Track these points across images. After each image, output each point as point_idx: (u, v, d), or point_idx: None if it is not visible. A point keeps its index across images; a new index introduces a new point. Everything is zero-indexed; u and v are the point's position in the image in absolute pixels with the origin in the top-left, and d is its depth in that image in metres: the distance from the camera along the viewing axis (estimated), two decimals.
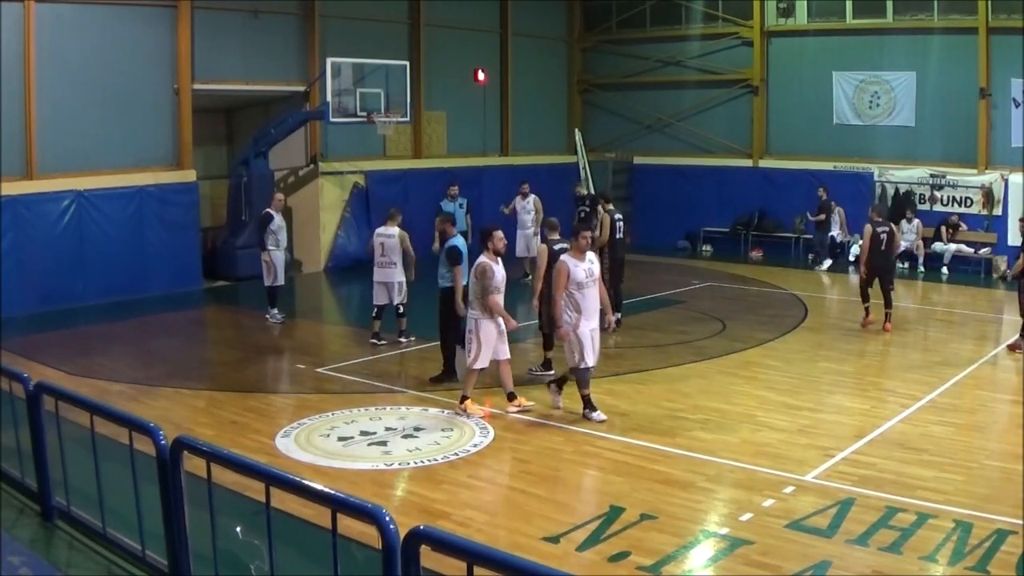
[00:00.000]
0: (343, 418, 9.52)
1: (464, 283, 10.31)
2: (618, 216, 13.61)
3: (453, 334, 10.75)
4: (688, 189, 22.70)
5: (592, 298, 9.21)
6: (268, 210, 14.14)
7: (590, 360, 9.20)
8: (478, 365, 9.51)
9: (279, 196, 14.74)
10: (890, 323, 13.31)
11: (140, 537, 5.50)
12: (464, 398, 9.63)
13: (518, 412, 9.59)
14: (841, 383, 10.79)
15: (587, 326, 9.14)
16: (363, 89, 17.55)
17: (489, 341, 9.47)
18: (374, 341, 12.66)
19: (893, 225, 13.85)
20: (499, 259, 9.57)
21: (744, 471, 8.02)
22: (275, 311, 14.21)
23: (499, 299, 9.46)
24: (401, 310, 12.65)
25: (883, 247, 13.21)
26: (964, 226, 19.16)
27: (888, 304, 13.31)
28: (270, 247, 13.90)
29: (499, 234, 9.65)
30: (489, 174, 21.80)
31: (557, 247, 10.45)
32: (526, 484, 7.77)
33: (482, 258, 9.47)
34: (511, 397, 9.69)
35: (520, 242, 17.62)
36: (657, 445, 8.66)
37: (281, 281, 14.20)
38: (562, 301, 9.07)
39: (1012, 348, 11.99)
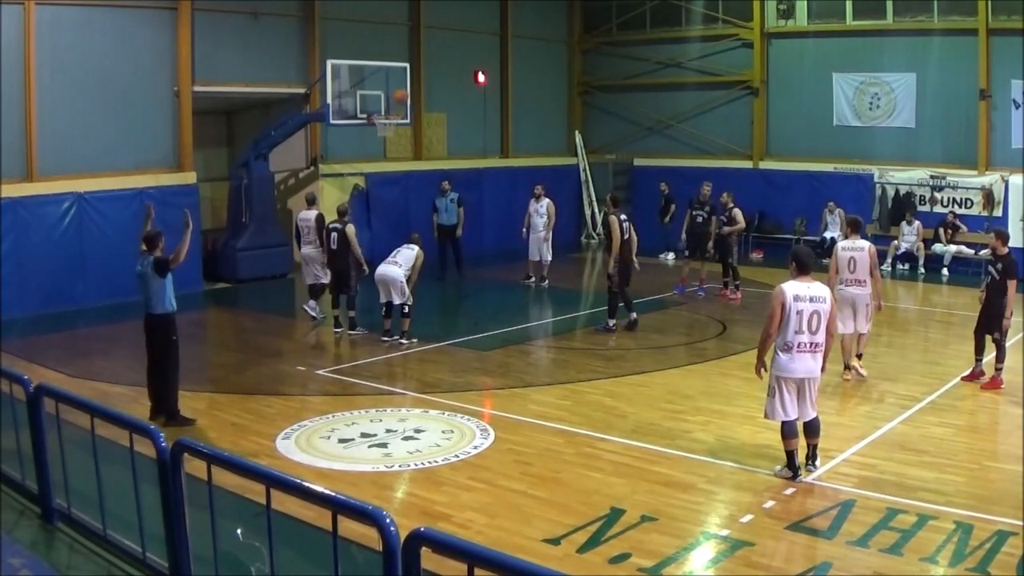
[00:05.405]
0: (343, 420, 9.52)
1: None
2: (624, 218, 13.72)
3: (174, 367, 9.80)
4: (688, 191, 22.55)
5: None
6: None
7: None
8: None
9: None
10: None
11: (141, 539, 5.48)
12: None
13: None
14: (841, 385, 10.78)
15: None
16: (363, 91, 17.54)
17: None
18: (384, 339, 12.88)
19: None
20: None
21: (745, 473, 8.02)
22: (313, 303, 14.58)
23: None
24: (406, 310, 12.72)
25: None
26: (964, 227, 19.14)
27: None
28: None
29: None
30: (489, 176, 21.81)
31: None
32: (527, 486, 7.76)
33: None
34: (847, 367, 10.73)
35: (532, 245, 17.58)
36: (658, 447, 8.66)
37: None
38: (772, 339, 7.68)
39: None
